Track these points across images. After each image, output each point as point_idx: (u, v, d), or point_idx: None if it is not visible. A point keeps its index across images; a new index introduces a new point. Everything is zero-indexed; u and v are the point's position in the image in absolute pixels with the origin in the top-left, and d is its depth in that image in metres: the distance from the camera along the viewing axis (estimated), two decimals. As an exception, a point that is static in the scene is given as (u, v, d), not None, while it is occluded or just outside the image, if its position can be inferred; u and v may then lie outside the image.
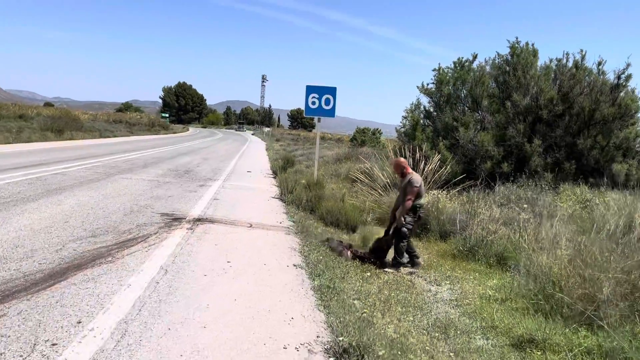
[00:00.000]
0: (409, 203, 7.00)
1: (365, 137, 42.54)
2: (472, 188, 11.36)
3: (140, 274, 4.66)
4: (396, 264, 7.18)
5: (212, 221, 7.65)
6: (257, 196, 11.33)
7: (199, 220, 7.63)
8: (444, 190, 11.05)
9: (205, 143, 38.78)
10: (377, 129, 46.65)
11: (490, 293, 6.30)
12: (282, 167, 16.33)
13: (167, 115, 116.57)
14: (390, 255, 7.39)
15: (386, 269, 7.09)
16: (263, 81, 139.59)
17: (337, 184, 16.34)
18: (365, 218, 10.57)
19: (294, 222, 8.59)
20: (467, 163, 11.99)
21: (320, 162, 22.01)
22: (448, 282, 6.79)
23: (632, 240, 6.06)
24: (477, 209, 9.94)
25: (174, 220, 7.45)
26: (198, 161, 19.63)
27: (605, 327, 4.62)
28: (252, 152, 32.26)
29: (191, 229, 6.93)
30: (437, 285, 6.69)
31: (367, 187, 12.49)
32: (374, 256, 7.32)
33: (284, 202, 10.71)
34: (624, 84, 11.99)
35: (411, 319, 5.23)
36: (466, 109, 13.31)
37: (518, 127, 12.01)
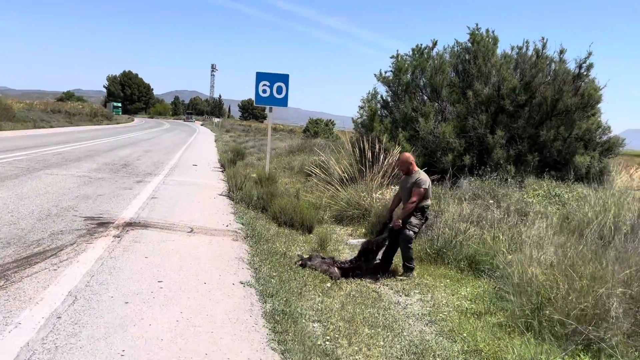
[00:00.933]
0: (412, 206, 6.25)
1: (318, 128, 41.73)
2: (434, 182, 10.69)
3: (38, 306, 3.58)
4: (406, 269, 6.45)
5: (145, 226, 6.56)
6: (202, 193, 10.25)
7: (129, 224, 6.52)
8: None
9: (150, 134, 36.87)
10: (330, 120, 45.88)
11: (466, 305, 5.57)
12: (231, 160, 15.22)
13: (119, 104, 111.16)
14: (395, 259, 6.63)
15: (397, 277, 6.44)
16: (212, 70, 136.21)
17: (290, 178, 15.41)
18: (322, 216, 9.71)
19: (242, 224, 7.61)
20: (428, 155, 11.33)
21: (273, 155, 20.99)
22: (417, 292, 6.02)
23: (621, 242, 5.45)
24: (442, 206, 9.26)
25: (99, 225, 6.32)
26: (139, 154, 18.19)
27: (611, 351, 3.94)
28: (200, 143, 30.80)
29: (118, 237, 5.83)
30: (405, 295, 5.90)
31: (323, 181, 11.63)
32: (363, 260, 6.50)
33: (232, 200, 9.69)
34: (585, 73, 11.62)
35: (382, 343, 4.40)
36: (426, 98, 12.65)
37: (480, 117, 11.43)
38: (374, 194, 9.18)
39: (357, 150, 10.66)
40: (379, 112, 13.42)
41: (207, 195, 10.06)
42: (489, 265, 6.44)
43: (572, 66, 11.86)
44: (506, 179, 10.28)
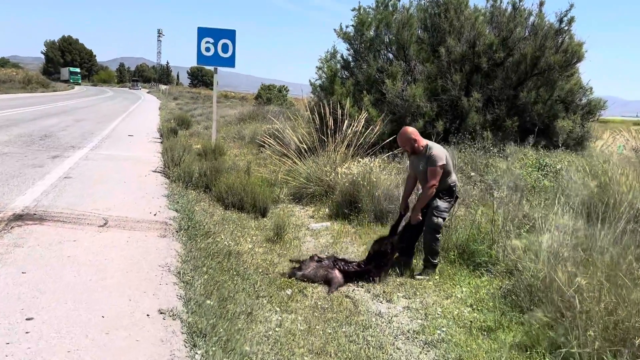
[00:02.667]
0: (432, 191, 4.93)
1: (271, 95, 39.75)
2: (401, 154, 9.38)
3: None
4: (429, 267, 5.17)
5: (42, 219, 4.91)
6: (133, 170, 8.54)
7: (19, 218, 4.85)
8: (371, 155, 8.97)
9: (87, 102, 33.95)
10: (284, 86, 43.90)
11: (467, 314, 4.29)
12: (172, 130, 13.39)
13: (77, 70, 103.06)
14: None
15: (416, 276, 5.13)
16: (159, 36, 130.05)
17: (241, 149, 13.79)
18: (278, 194, 8.24)
19: (177, 210, 6.03)
20: (396, 122, 9.96)
21: (221, 123, 19.19)
22: (402, 295, 4.70)
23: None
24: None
25: (-28, 221, 4.63)
26: (67, 123, 16.01)
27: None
28: (142, 111, 28.41)
29: (-5, 239, 4.19)
30: (387, 301, 4.57)
31: (278, 153, 10.11)
32: (373, 265, 5.07)
33: (169, 178, 8.05)
34: (566, 28, 10.44)
35: (368, 390, 3.06)
36: (392, 57, 11.21)
37: (454, 78, 10.12)
38: (339, 169, 7.76)
39: (317, 117, 9.16)
40: (339, 73, 11.89)
41: (138, 172, 8.36)
42: (485, 257, 5.19)
43: (552, 19, 10.67)
44: (485, 147, 9.08)
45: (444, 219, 5.02)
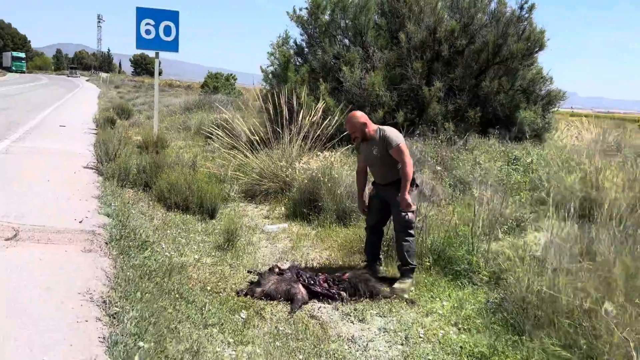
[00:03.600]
0: (410, 169, 4.27)
1: (218, 83, 38.25)
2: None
3: None
4: (406, 272, 4.48)
5: None
6: (61, 165, 7.49)
7: None
8: (329, 149, 8.29)
9: (19, 89, 31.55)
10: (232, 75, 42.41)
11: (453, 336, 3.68)
12: (108, 120, 12.21)
13: (22, 55, 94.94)
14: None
15: (394, 287, 4.39)
16: (99, 21, 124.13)
17: (186, 140, 12.80)
18: (228, 192, 7.43)
19: (109, 215, 5.14)
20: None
21: (165, 113, 18.01)
22: (376, 313, 4.05)
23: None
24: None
25: None
26: (-10, 113, 14.47)
27: None
28: (79, 100, 26.59)
29: None
30: (360, 321, 3.91)
31: (227, 146, 9.27)
32: (347, 293, 4.34)
33: (102, 175, 7.08)
34: (527, 15, 10.10)
35: None
36: (349, 43, 10.55)
37: (414, 65, 9.57)
38: (297, 164, 7.04)
39: (271, 106, 8.37)
40: (293, 59, 11.12)
41: (67, 168, 7.33)
42: (465, 264, 4.62)
43: (513, 5, 10.30)
44: (450, 139, 8.60)
45: (413, 212, 4.38)
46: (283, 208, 7.10)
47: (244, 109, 11.51)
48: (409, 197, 4.23)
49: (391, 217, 4.57)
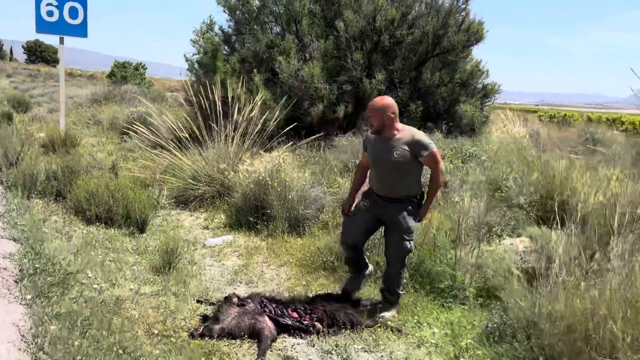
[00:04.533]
0: (441, 181, 3.63)
1: (126, 73, 35.72)
2: (317, 143, 8.09)
3: None
4: (394, 300, 3.87)
5: None
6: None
7: None
8: (268, 148, 7.55)
9: None
10: (141, 64, 39.72)
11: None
12: (4, 115, 10.56)
13: None
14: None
15: (381, 316, 3.74)
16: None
17: (97, 137, 11.42)
18: (157, 199, 6.46)
19: (16, 239, 4.07)
20: (293, 106, 8.60)
21: (70, 105, 16.19)
22: (361, 347, 3.41)
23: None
24: (330, 179, 6.73)
25: None
26: None
27: None
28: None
29: None
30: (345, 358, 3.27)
31: (150, 143, 8.22)
32: (324, 323, 3.57)
33: (2, 184, 5.84)
34: (464, 6, 9.89)
35: None
36: (283, 31, 9.78)
37: (354, 56, 9.02)
38: (240, 166, 6.22)
39: (202, 99, 7.43)
40: (221, 47, 10.16)
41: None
42: (449, 281, 4.10)
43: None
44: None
45: (413, 240, 3.68)
46: (223, 216, 6.29)
47: (160, 101, 10.39)
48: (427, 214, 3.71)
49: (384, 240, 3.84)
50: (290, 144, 7.67)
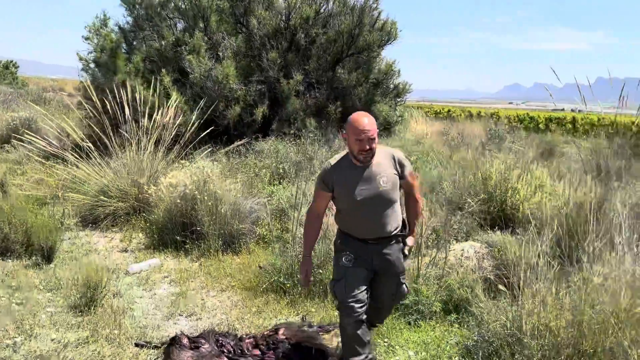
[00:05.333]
0: (420, 208, 3.05)
1: (-7, 72, 31.95)
2: (219, 146, 7.54)
3: None
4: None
5: None
6: None
7: None
8: (185, 155, 6.90)
9: None
10: (12, 61, 35.72)
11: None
12: None
13: None
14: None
15: None
16: None
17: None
18: (61, 219, 5.58)
19: None
20: (207, 109, 7.96)
21: None
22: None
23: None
24: (273, 186, 6.27)
25: None
26: None
27: None
28: None
29: None
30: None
31: (42, 154, 7.18)
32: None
33: None
34: (374, 5, 9.84)
35: None
36: (190, 27, 9.05)
37: (270, 56, 8.58)
38: (163, 178, 5.55)
39: (107, 104, 6.57)
40: (120, 45, 9.20)
41: None
42: (413, 297, 3.87)
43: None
44: (312, 135, 7.84)
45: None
46: (141, 235, 5.60)
47: (43, 104, 9.25)
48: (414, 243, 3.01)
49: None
50: (209, 150, 7.09)
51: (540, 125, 25.43)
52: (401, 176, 2.79)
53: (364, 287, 2.79)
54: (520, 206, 4.79)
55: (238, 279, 4.46)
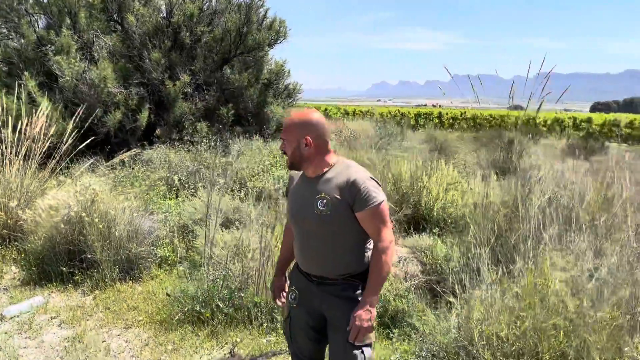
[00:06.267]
0: (392, 254, 2.13)
1: None
2: (96, 155, 6.75)
3: None
4: None
5: None
6: None
7: None
8: (64, 172, 6.04)
9: None
10: None
11: None
12: None
13: None
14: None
15: None
16: None
17: None
18: None
19: None
20: (83, 115, 7.05)
21: None
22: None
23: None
24: (169, 199, 5.64)
25: None
26: None
27: None
28: None
29: None
30: None
31: None
32: None
33: None
34: (261, 3, 9.50)
35: None
36: (55, 25, 7.96)
37: (153, 56, 7.86)
38: (40, 200, 4.72)
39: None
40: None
41: None
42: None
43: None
44: (206, 141, 7.30)
45: (371, 345, 2.16)
46: (15, 268, 4.75)
47: None
48: (373, 312, 2.07)
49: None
50: (89, 162, 6.27)
51: (412, 121, 26.83)
52: (353, 206, 2.06)
53: (308, 338, 2.28)
54: (435, 205, 4.78)
55: (144, 312, 3.90)
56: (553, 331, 2.53)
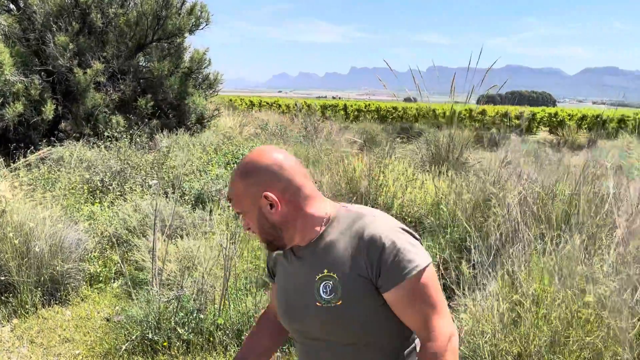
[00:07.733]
0: (456, 344, 1.21)
1: None
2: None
3: None
4: None
5: None
6: None
7: None
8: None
9: None
10: None
11: None
12: None
13: None
14: None
15: None
16: None
17: None
18: None
19: None
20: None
21: None
22: None
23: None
24: (92, 204, 4.90)
25: None
26: None
27: None
28: None
29: None
30: None
31: None
32: None
33: None
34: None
35: None
36: None
37: (59, 39, 6.92)
38: None
39: None
40: None
41: None
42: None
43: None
44: (126, 136, 6.57)
45: None
46: None
47: None
48: None
49: None
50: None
51: (318, 113, 26.94)
52: (378, 284, 1.21)
53: None
54: (394, 204, 4.58)
55: (82, 343, 3.30)
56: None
